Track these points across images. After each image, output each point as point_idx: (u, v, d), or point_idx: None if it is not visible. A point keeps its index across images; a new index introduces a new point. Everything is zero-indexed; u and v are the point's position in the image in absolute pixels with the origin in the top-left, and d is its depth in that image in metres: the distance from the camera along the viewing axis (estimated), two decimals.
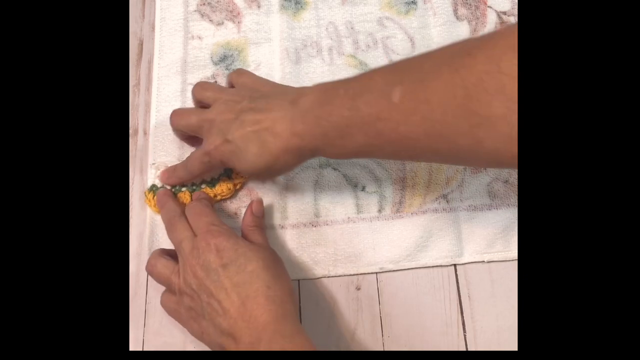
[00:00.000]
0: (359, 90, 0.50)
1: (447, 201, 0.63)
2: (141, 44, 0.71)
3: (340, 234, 0.62)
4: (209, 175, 0.63)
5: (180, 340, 0.59)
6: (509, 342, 0.58)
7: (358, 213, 0.63)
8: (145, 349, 0.59)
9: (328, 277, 0.61)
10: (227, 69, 0.68)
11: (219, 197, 0.62)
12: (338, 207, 0.63)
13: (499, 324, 0.59)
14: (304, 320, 0.59)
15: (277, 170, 0.55)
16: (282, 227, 0.62)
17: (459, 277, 0.61)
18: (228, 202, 0.64)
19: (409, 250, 0.61)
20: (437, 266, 0.61)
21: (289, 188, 0.64)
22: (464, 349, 0.59)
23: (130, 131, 0.67)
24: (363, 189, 0.64)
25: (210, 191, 0.62)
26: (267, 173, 0.55)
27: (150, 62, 0.70)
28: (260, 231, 0.59)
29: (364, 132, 0.49)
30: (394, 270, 0.61)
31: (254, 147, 0.53)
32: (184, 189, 0.62)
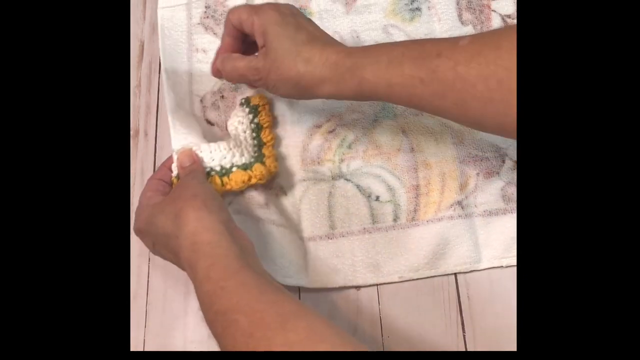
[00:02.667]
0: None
1: (462, 207, 0.63)
2: (142, 46, 0.72)
3: (357, 244, 0.62)
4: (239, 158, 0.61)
5: (181, 340, 0.59)
6: (508, 342, 0.58)
7: (373, 223, 0.63)
8: (146, 350, 0.59)
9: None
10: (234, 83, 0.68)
11: (253, 180, 0.60)
12: (353, 218, 0.63)
13: (498, 324, 0.59)
14: None
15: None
16: (300, 239, 0.63)
17: (458, 277, 0.61)
18: (260, 190, 0.63)
19: (428, 258, 0.61)
20: (457, 273, 0.61)
21: (302, 201, 0.64)
22: (463, 349, 0.58)
23: (132, 132, 0.68)
24: (377, 198, 0.64)
25: (244, 174, 0.60)
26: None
27: (151, 64, 0.71)
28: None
29: (415, 63, 0.50)
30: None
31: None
32: (213, 172, 0.60)
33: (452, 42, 0.49)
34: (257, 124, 0.65)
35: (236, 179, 0.60)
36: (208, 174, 0.60)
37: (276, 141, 0.66)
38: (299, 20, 0.56)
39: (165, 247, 0.54)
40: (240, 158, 0.61)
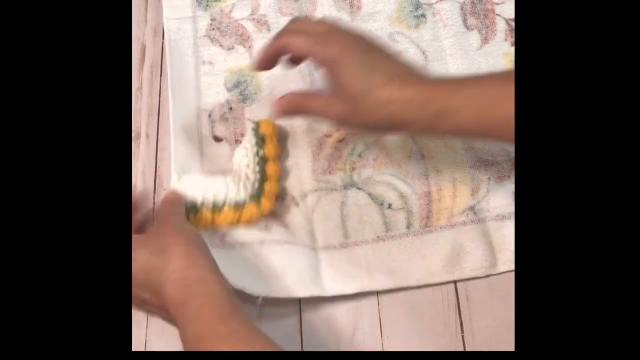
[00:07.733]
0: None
1: (474, 213, 0.63)
2: (143, 48, 0.72)
3: (371, 253, 0.62)
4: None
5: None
6: (507, 342, 0.58)
7: (387, 231, 0.63)
8: (147, 349, 0.60)
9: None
10: (240, 94, 0.69)
11: (242, 220, 0.62)
12: (366, 226, 0.63)
13: (496, 324, 0.59)
14: (304, 321, 0.60)
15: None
16: (313, 248, 0.62)
17: None
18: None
19: (443, 264, 0.61)
20: (473, 278, 0.61)
21: (315, 211, 0.64)
22: (462, 349, 0.58)
23: (133, 135, 0.68)
24: (389, 206, 0.64)
25: (233, 215, 0.61)
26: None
27: (152, 67, 0.71)
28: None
29: (478, 87, 0.50)
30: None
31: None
32: (204, 206, 0.62)
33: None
34: (263, 157, 0.64)
35: (226, 218, 0.61)
36: (198, 206, 0.62)
37: (286, 153, 0.67)
38: (372, 56, 0.52)
39: (140, 285, 0.52)
40: (236, 195, 0.62)
